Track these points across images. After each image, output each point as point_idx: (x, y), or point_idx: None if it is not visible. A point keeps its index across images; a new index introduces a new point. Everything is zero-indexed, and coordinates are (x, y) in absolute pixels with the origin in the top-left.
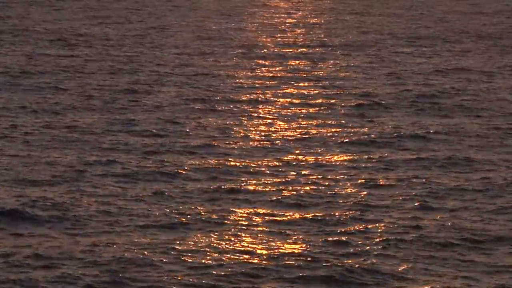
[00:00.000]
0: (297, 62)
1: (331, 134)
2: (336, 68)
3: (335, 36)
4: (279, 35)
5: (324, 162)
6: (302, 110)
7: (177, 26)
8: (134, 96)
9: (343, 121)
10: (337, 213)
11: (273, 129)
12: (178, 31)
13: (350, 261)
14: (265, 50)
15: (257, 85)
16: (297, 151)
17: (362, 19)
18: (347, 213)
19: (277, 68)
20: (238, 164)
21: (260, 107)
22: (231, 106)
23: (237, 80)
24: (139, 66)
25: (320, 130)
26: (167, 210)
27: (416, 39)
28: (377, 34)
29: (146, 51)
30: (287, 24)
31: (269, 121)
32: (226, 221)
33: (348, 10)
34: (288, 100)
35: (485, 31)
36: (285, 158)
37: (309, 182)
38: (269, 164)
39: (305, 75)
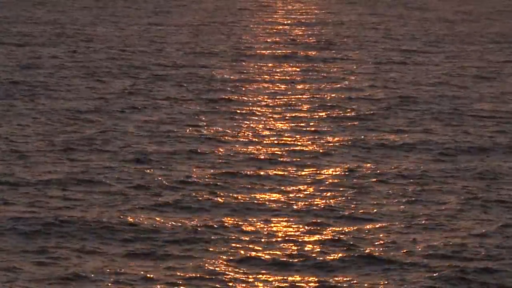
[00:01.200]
0: (300, 63)
1: (336, 139)
2: (340, 69)
3: (339, 36)
4: (281, 35)
5: (329, 168)
6: (306, 113)
7: (179, 26)
8: (133, 97)
9: (348, 125)
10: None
11: (276, 134)
12: (179, 31)
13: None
14: (267, 51)
15: (259, 87)
16: (300, 157)
17: (367, 20)
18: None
19: (280, 70)
20: (240, 170)
21: (263, 110)
22: (233, 108)
23: (240, 82)
24: (140, 66)
25: (325, 135)
26: (174, 219)
27: (422, 41)
28: (382, 35)
29: (147, 50)
30: (289, 25)
31: (272, 124)
32: (229, 231)
33: (352, 11)
34: (292, 103)
35: (490, 31)
36: (286, 162)
37: (311, 190)
38: (275, 169)
39: (309, 77)
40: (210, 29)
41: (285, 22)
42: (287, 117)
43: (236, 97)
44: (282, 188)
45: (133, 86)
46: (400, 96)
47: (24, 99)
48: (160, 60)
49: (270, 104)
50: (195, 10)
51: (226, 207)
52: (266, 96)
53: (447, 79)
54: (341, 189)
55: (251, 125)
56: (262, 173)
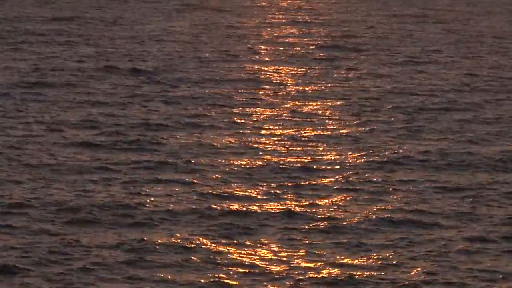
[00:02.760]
0: (304, 67)
1: (344, 155)
2: (347, 72)
3: (346, 37)
4: (285, 36)
5: (335, 177)
6: (315, 120)
7: (180, 27)
8: (135, 99)
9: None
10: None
11: (287, 140)
12: (180, 32)
13: None
14: (272, 55)
15: (265, 89)
16: (307, 164)
17: (367, 20)
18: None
19: (285, 72)
20: (245, 185)
21: (271, 114)
22: (236, 114)
23: (244, 86)
24: (141, 67)
25: (331, 148)
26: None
27: (426, 44)
28: (386, 36)
29: (150, 51)
30: (292, 24)
31: (282, 129)
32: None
33: (353, 11)
34: (299, 107)
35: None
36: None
37: (318, 206)
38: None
39: (314, 80)
40: (214, 30)
41: (287, 22)
42: (295, 122)
43: (242, 104)
44: (304, 198)
45: (135, 88)
46: (412, 103)
47: (33, 101)
48: (161, 61)
49: (278, 107)
50: (200, 9)
51: (239, 216)
52: (275, 99)
53: (461, 86)
54: (356, 199)
55: (257, 131)
56: (264, 183)
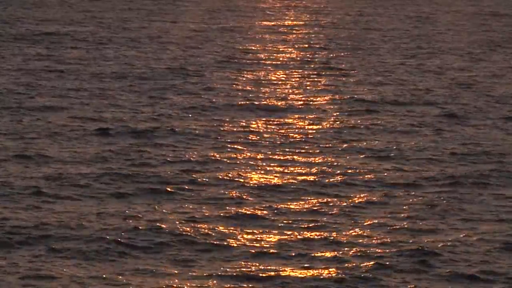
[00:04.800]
0: (304, 71)
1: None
2: (347, 77)
3: (343, 38)
4: (289, 38)
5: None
6: (316, 128)
7: (182, 30)
8: (135, 100)
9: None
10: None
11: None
12: (183, 34)
13: None
14: (274, 56)
15: (265, 97)
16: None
17: (372, 20)
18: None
19: (288, 77)
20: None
21: (272, 130)
22: (234, 123)
23: (245, 91)
24: (137, 69)
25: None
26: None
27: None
28: (386, 37)
29: (148, 54)
30: (289, 27)
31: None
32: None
33: (350, 12)
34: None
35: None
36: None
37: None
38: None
39: (314, 85)
40: (213, 33)
41: (291, 24)
42: (300, 132)
43: (241, 112)
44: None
45: (137, 95)
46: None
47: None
48: (162, 64)
49: (288, 112)
50: (203, 11)
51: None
52: (284, 104)
53: (463, 91)
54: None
55: (257, 150)
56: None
